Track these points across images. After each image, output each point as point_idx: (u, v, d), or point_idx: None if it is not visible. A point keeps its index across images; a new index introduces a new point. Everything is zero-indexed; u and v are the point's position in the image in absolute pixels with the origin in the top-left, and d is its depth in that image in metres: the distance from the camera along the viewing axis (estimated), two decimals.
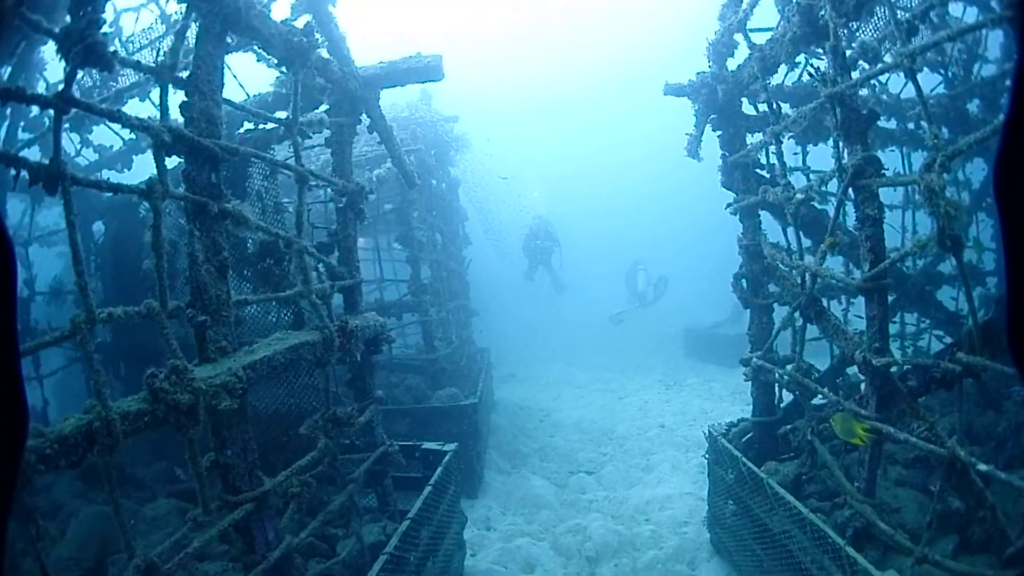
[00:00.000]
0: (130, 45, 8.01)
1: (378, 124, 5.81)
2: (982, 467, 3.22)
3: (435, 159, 12.76)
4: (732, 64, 5.78)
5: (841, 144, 3.85)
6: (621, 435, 12.08)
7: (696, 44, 6.14)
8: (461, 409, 8.53)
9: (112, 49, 2.85)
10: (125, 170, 9.14)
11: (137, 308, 3.07)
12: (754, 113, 6.02)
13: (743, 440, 6.58)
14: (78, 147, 9.04)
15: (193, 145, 3.61)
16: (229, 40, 4.29)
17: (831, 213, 4.74)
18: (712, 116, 5.89)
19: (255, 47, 4.68)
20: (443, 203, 12.44)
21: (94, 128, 8.93)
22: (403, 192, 8.89)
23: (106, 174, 8.90)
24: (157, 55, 7.48)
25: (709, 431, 7.03)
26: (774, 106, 4.81)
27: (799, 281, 4.94)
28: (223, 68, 3.99)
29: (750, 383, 6.41)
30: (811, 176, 6.45)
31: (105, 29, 2.80)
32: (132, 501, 5.98)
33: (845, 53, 3.83)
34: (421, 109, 12.01)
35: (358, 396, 5.77)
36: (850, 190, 3.83)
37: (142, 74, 5.25)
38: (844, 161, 3.83)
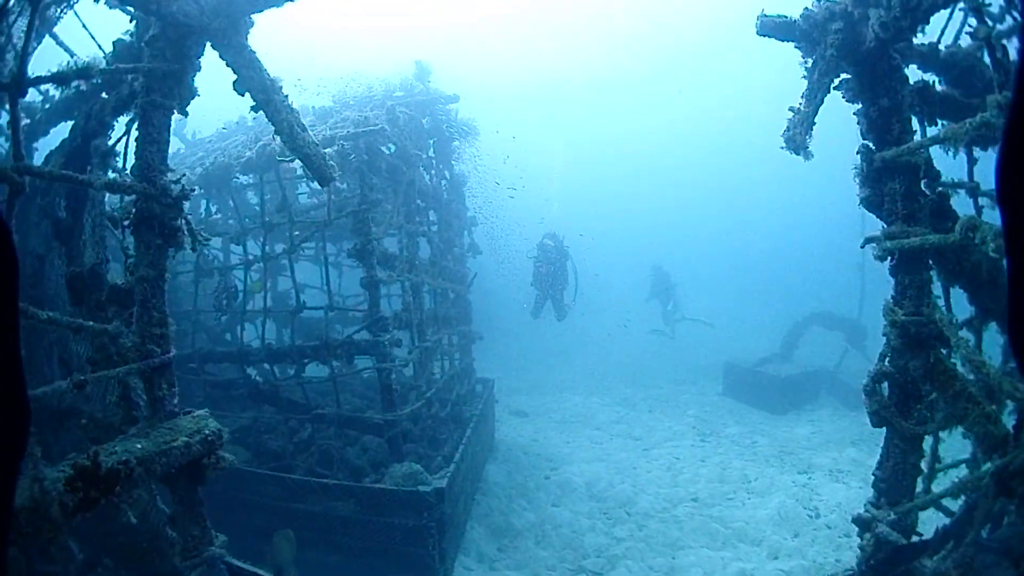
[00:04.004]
0: None
1: (245, 75, 3.45)
2: None
3: (435, 149, 10.39)
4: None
5: None
6: (643, 510, 9.51)
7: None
8: (420, 498, 6.11)
9: None
10: None
11: None
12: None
13: None
14: None
15: None
16: None
17: None
18: (845, 76, 3.33)
19: None
20: (439, 205, 10.03)
21: None
22: (363, 189, 6.49)
23: None
24: None
25: None
26: (1000, 54, 2.25)
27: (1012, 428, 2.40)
28: None
29: (863, 545, 3.72)
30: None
31: None
32: None
33: None
34: (418, 88, 9.60)
35: (184, 549, 3.39)
36: None
37: None
38: None
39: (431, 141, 10.19)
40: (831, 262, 34.09)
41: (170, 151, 11.58)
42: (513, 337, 22.21)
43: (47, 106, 6.17)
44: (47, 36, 5.20)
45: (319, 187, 10.83)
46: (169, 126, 3.52)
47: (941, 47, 3.97)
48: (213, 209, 8.92)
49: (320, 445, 7.29)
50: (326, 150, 5.61)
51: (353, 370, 7.25)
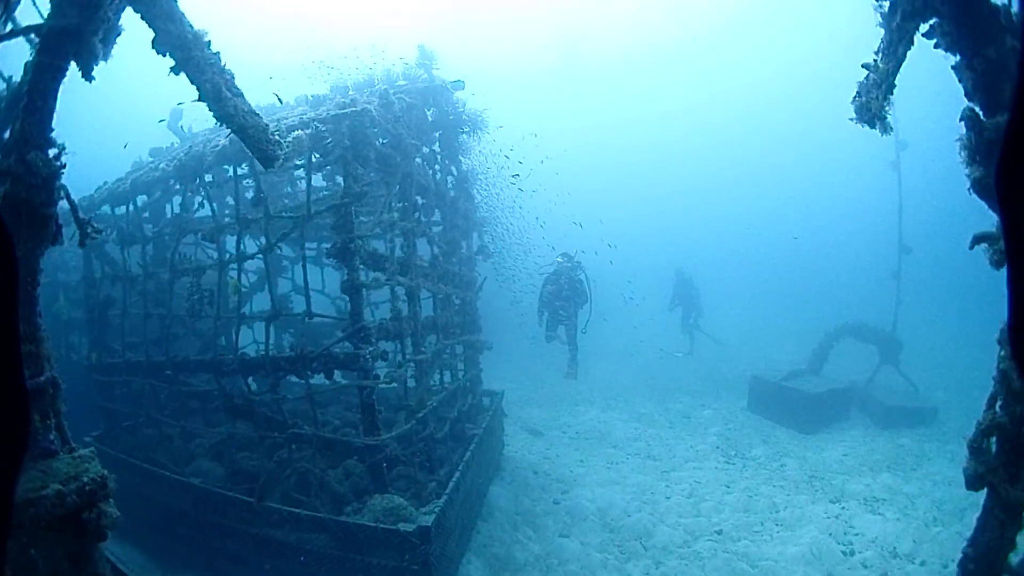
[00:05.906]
0: None
1: (162, 30, 2.70)
2: None
3: (440, 143, 9.60)
4: None
5: None
6: (660, 544, 8.59)
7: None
8: (401, 538, 5.27)
9: None
10: None
11: None
12: None
13: None
14: None
15: None
16: None
17: None
18: (935, 19, 2.46)
19: None
20: (443, 203, 9.21)
21: None
22: (346, 180, 5.69)
23: None
24: None
25: None
26: None
27: None
28: None
29: None
30: None
31: None
32: None
33: None
34: (421, 75, 8.81)
35: None
36: None
37: None
38: None
39: (436, 134, 9.41)
40: (863, 269, 32.81)
41: (164, 145, 10.76)
42: (527, 345, 21.24)
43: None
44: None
45: (322, 181, 10.12)
46: (56, 91, 2.76)
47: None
48: (195, 204, 8.19)
49: (297, 467, 6.49)
50: (296, 132, 4.82)
51: (333, 385, 6.45)
